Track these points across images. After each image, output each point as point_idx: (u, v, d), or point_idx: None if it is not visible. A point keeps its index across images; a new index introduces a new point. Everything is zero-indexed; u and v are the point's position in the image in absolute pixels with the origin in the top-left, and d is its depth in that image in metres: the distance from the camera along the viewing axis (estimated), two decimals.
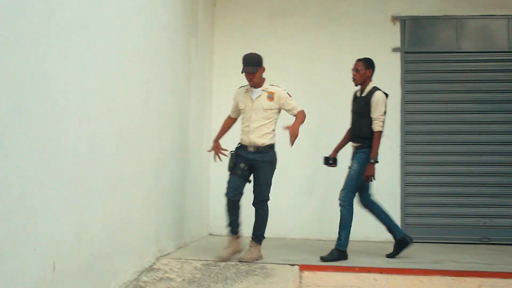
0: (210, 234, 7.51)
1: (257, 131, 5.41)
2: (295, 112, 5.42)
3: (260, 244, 5.54)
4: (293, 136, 5.15)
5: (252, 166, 5.44)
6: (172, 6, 5.85)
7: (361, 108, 5.72)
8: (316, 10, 7.60)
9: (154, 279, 4.90)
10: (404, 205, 7.34)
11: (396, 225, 5.94)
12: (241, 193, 5.44)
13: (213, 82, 7.67)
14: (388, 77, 7.21)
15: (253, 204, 5.49)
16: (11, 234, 2.95)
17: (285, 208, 7.31)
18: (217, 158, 5.74)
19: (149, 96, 5.12)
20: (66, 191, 3.53)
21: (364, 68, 5.76)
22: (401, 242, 5.85)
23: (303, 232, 7.38)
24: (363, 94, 5.75)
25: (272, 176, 5.50)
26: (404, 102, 7.43)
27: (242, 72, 5.40)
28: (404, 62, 7.48)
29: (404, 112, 7.43)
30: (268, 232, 5.62)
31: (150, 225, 5.20)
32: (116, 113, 4.34)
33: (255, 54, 5.46)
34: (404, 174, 7.39)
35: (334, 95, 7.43)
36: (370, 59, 5.83)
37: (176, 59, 6.00)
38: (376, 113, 5.63)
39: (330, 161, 6.00)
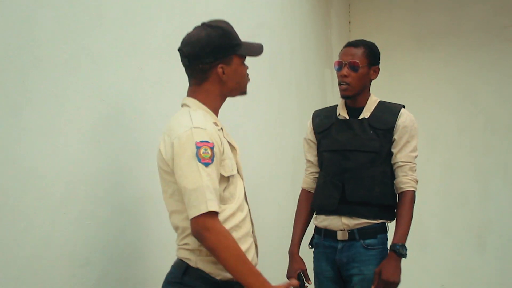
0: None
1: None
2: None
3: None
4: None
5: None
6: (305, 34, 5.15)
7: (365, 143, 2.76)
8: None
9: None
10: None
11: None
12: None
13: None
14: None
15: None
16: None
17: (451, 266, 5.88)
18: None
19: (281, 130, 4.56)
20: None
21: (367, 63, 2.80)
22: None
23: None
24: (365, 115, 2.81)
25: None
26: None
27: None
28: None
29: None
30: None
31: None
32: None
33: None
34: None
35: (504, 126, 5.95)
36: (374, 45, 2.91)
37: (311, 91, 5.28)
38: (406, 152, 2.75)
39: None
